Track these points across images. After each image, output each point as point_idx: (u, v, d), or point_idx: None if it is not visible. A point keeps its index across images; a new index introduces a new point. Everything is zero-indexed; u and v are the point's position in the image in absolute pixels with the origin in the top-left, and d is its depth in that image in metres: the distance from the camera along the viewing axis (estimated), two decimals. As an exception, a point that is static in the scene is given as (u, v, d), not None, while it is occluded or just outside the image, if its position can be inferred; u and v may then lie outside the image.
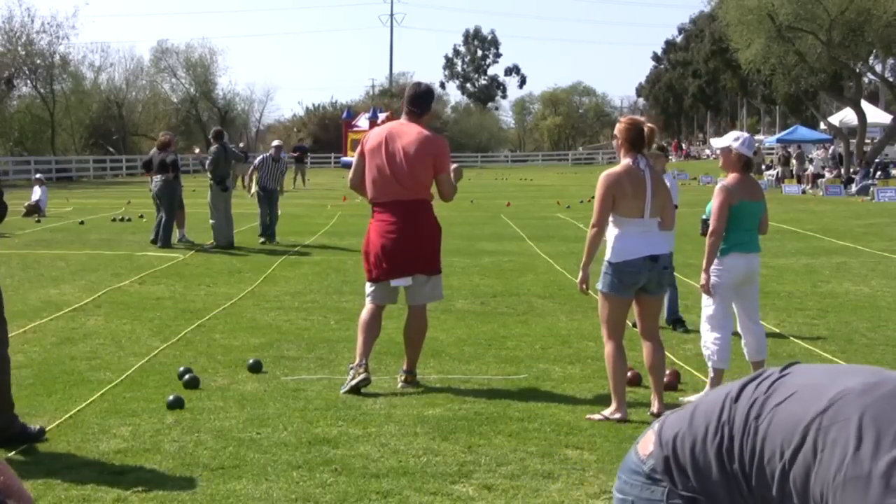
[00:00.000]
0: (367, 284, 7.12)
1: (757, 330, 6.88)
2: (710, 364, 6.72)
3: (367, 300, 7.10)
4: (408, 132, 6.80)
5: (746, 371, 7.07)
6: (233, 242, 16.42)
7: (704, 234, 6.95)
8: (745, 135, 6.92)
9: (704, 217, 6.98)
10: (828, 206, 27.84)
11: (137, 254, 15.37)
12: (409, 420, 6.03)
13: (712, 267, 6.67)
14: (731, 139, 6.81)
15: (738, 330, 6.91)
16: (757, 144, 37.67)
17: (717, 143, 7.13)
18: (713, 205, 6.67)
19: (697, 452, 2.06)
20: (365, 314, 7.02)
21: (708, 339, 6.69)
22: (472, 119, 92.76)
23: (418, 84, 7.13)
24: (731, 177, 6.73)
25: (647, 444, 2.21)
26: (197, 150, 39.58)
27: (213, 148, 16.64)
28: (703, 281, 6.70)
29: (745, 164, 6.74)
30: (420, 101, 6.91)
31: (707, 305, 6.73)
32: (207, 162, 16.83)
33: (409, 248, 6.87)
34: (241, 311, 10.16)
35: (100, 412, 6.18)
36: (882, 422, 1.78)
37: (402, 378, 6.97)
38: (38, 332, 8.93)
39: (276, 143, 18.67)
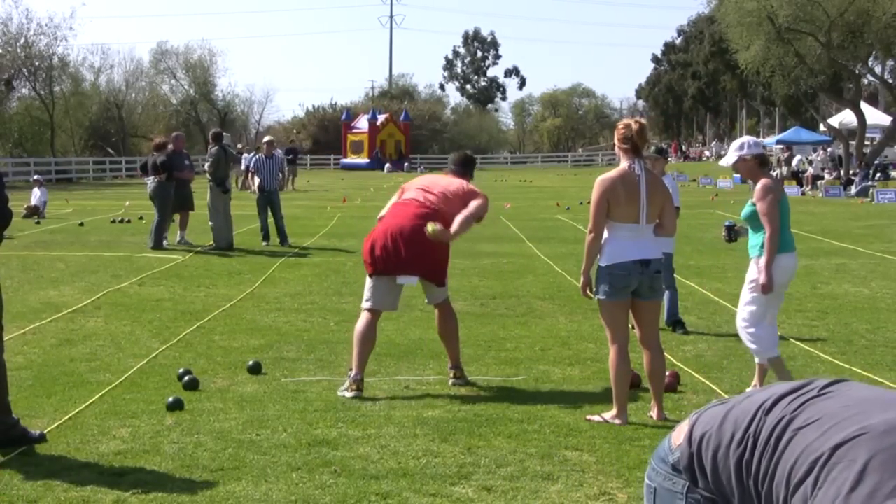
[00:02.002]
0: (367, 287, 7.02)
1: (772, 331, 6.86)
2: (758, 359, 6.69)
3: (364, 306, 7.01)
4: (455, 179, 7.32)
5: (746, 374, 7.08)
6: (232, 244, 16.42)
7: (730, 240, 6.91)
8: (747, 138, 6.93)
9: (728, 223, 6.93)
10: (827, 208, 27.84)
11: (137, 255, 15.37)
12: (409, 421, 6.03)
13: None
14: (737, 149, 6.73)
15: None
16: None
17: (726, 161, 6.99)
18: (762, 206, 6.54)
19: (719, 458, 2.02)
20: (361, 324, 6.91)
21: (751, 334, 6.64)
22: (471, 121, 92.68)
23: (464, 152, 7.87)
24: (764, 178, 6.68)
25: (679, 434, 2.16)
26: (239, 146, 38.74)
27: (212, 149, 16.66)
28: (763, 280, 6.54)
29: (763, 162, 6.72)
30: (464, 164, 7.47)
31: (749, 302, 6.65)
32: (208, 164, 16.85)
33: (418, 246, 6.80)
34: (240, 312, 10.16)
35: (99, 414, 6.18)
36: (889, 470, 1.68)
37: (452, 374, 7.07)
38: (38, 333, 8.93)
39: (266, 139, 18.48)
